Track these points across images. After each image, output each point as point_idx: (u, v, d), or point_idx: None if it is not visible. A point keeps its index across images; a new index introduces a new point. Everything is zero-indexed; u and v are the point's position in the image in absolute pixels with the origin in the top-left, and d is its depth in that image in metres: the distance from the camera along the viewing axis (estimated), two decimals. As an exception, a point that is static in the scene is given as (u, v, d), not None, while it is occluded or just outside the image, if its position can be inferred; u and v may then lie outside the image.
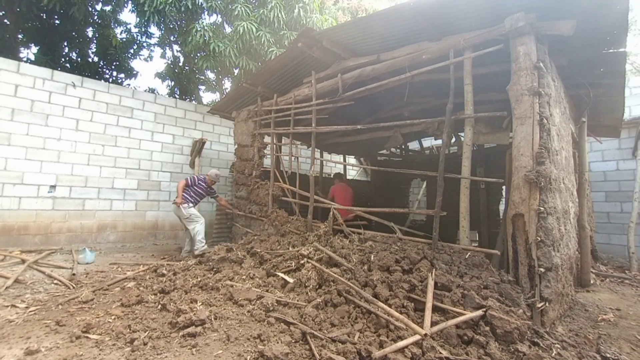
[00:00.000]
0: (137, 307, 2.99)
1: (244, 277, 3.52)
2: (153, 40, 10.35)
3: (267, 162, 6.21)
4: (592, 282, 4.38)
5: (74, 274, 4.24)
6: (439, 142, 7.11)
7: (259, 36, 7.21)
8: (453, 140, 6.47)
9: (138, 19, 8.37)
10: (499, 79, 3.62)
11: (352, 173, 11.03)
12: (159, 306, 2.98)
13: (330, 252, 3.52)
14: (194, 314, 2.60)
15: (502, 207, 6.00)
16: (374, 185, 9.52)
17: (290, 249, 4.04)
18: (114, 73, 10.47)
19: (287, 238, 4.51)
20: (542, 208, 2.76)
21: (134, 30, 9.91)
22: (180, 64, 10.40)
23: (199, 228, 5.35)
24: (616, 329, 2.94)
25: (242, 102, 6.45)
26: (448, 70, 3.53)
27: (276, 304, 2.84)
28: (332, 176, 7.70)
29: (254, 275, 3.53)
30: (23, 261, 4.45)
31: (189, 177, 5.65)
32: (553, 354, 2.20)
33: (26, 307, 3.13)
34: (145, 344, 2.31)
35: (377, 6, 11.40)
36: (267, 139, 6.12)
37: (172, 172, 7.25)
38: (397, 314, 2.45)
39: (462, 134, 4.04)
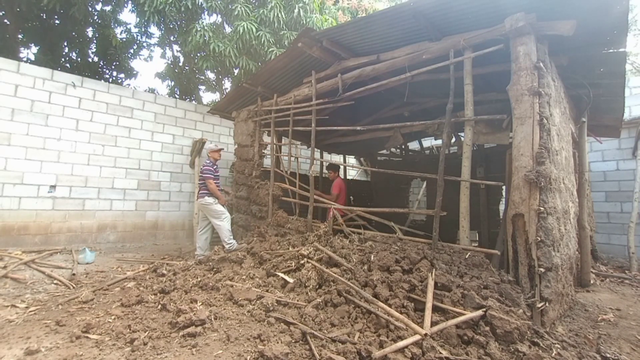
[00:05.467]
0: (137, 307, 2.99)
1: (244, 277, 3.52)
2: (153, 40, 10.33)
3: (267, 162, 6.21)
4: (592, 282, 4.38)
5: (74, 274, 4.24)
6: (439, 142, 7.11)
7: (259, 36, 7.21)
8: (453, 140, 6.47)
9: (138, 19, 8.36)
10: (499, 79, 3.63)
11: (352, 173, 11.04)
12: (159, 306, 2.98)
13: (330, 252, 3.52)
14: (194, 314, 2.60)
15: (502, 207, 6.00)
16: (374, 185, 9.52)
17: (290, 249, 4.04)
18: (114, 73, 10.47)
19: (287, 238, 4.51)
20: (542, 208, 2.76)
21: (134, 30, 9.88)
22: (180, 64, 10.39)
23: (224, 226, 5.12)
24: (616, 329, 2.94)
25: (242, 102, 6.45)
26: (448, 70, 3.53)
27: (276, 304, 2.84)
28: (326, 167, 6.79)
29: (254, 275, 3.53)
30: (25, 263, 4.45)
31: (205, 170, 5.21)
32: (553, 354, 2.20)
33: (26, 307, 3.13)
34: (145, 344, 2.31)
35: (377, 6, 11.41)
36: (267, 139, 6.12)
37: (172, 172, 7.25)
38: (397, 314, 2.45)
39: (462, 134, 4.04)
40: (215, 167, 5.36)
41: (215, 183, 5.23)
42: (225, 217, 5.20)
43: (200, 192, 5.27)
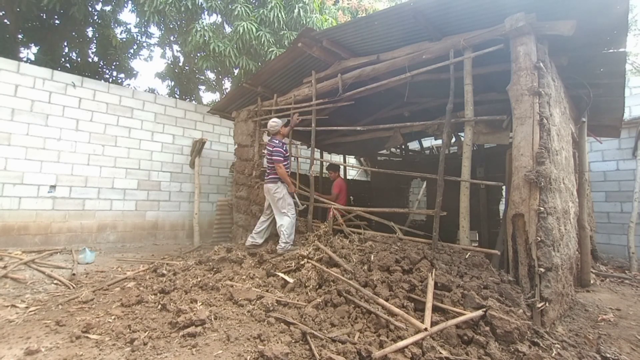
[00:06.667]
0: (137, 307, 2.99)
1: (244, 277, 3.52)
2: (153, 40, 10.34)
3: (267, 162, 6.20)
4: (592, 282, 4.38)
5: (74, 274, 4.24)
6: (439, 142, 7.10)
7: (259, 36, 7.21)
8: (453, 140, 6.47)
9: (138, 19, 8.38)
10: (499, 79, 3.62)
11: (352, 173, 11.04)
12: (159, 306, 2.98)
13: (330, 252, 3.52)
14: (194, 314, 2.60)
15: (502, 207, 6.00)
16: (374, 185, 9.52)
17: (290, 249, 4.04)
18: (114, 73, 10.46)
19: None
20: (542, 208, 2.76)
21: (134, 30, 9.89)
22: (180, 64, 10.40)
23: (287, 222, 4.30)
24: (616, 329, 2.94)
25: (242, 102, 6.45)
26: (448, 70, 3.53)
27: (276, 304, 2.84)
28: (327, 167, 6.66)
29: (254, 275, 3.53)
30: (25, 263, 4.45)
31: (275, 152, 4.33)
32: (553, 354, 2.20)
33: (26, 307, 3.13)
34: (145, 344, 2.31)
35: (377, 6, 11.41)
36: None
37: (172, 172, 7.25)
38: (397, 310, 2.45)
39: (462, 134, 4.04)
40: (285, 147, 4.53)
41: (285, 167, 4.36)
42: (292, 213, 4.38)
43: (268, 176, 4.49)
